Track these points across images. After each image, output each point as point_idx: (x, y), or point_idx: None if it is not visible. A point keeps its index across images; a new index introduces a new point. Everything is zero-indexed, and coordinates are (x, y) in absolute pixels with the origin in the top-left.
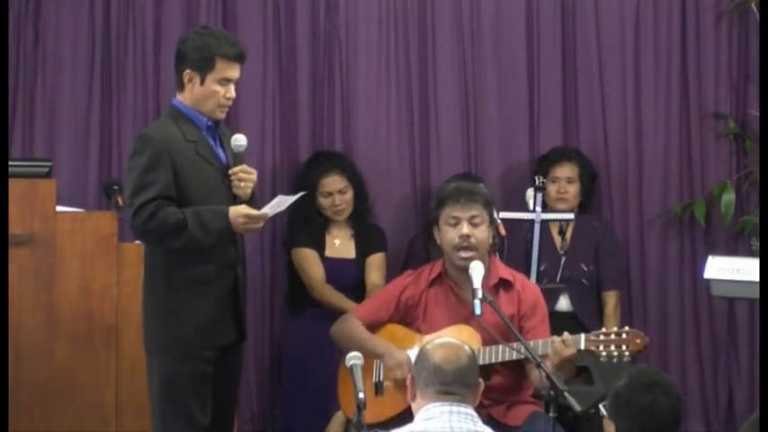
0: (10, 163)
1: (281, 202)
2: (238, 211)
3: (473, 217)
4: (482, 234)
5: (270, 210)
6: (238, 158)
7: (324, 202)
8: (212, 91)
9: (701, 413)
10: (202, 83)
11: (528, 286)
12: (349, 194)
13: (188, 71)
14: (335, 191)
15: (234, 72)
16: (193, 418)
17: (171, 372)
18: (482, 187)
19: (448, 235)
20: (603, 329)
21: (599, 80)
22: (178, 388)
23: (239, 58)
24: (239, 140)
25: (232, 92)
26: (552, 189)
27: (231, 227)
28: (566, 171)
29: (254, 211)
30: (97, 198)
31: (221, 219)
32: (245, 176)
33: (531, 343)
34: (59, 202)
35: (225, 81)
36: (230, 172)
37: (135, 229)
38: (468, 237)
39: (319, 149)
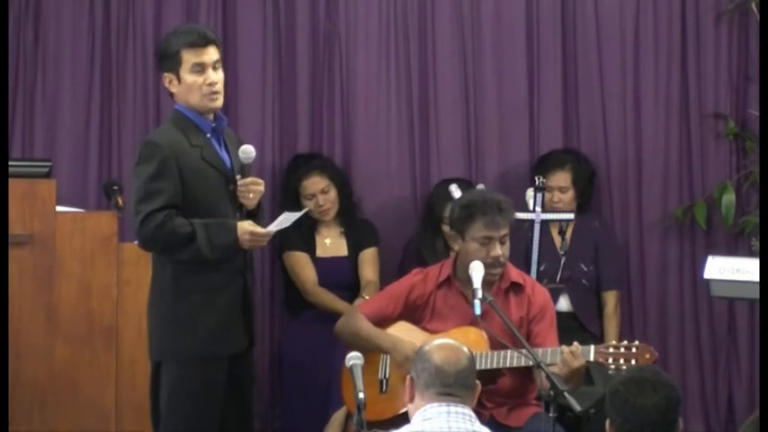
0: (10, 163)
1: (285, 219)
2: (244, 228)
3: (503, 236)
4: (508, 250)
5: (275, 227)
6: (246, 170)
7: (308, 204)
8: (190, 83)
9: (701, 413)
10: (180, 80)
11: (538, 290)
12: (332, 193)
13: (165, 75)
14: (318, 191)
15: (202, 56)
16: (203, 429)
17: (181, 381)
18: (508, 201)
19: (477, 253)
20: (613, 342)
21: (599, 80)
22: (189, 398)
23: (202, 40)
24: (247, 152)
25: (212, 76)
26: (547, 197)
27: (238, 242)
28: (559, 180)
29: (259, 229)
30: (97, 198)
31: (229, 234)
32: (255, 188)
33: (540, 351)
34: (59, 202)
35: (197, 67)
36: (239, 183)
37: (142, 236)
38: (499, 257)
39: (318, 150)
